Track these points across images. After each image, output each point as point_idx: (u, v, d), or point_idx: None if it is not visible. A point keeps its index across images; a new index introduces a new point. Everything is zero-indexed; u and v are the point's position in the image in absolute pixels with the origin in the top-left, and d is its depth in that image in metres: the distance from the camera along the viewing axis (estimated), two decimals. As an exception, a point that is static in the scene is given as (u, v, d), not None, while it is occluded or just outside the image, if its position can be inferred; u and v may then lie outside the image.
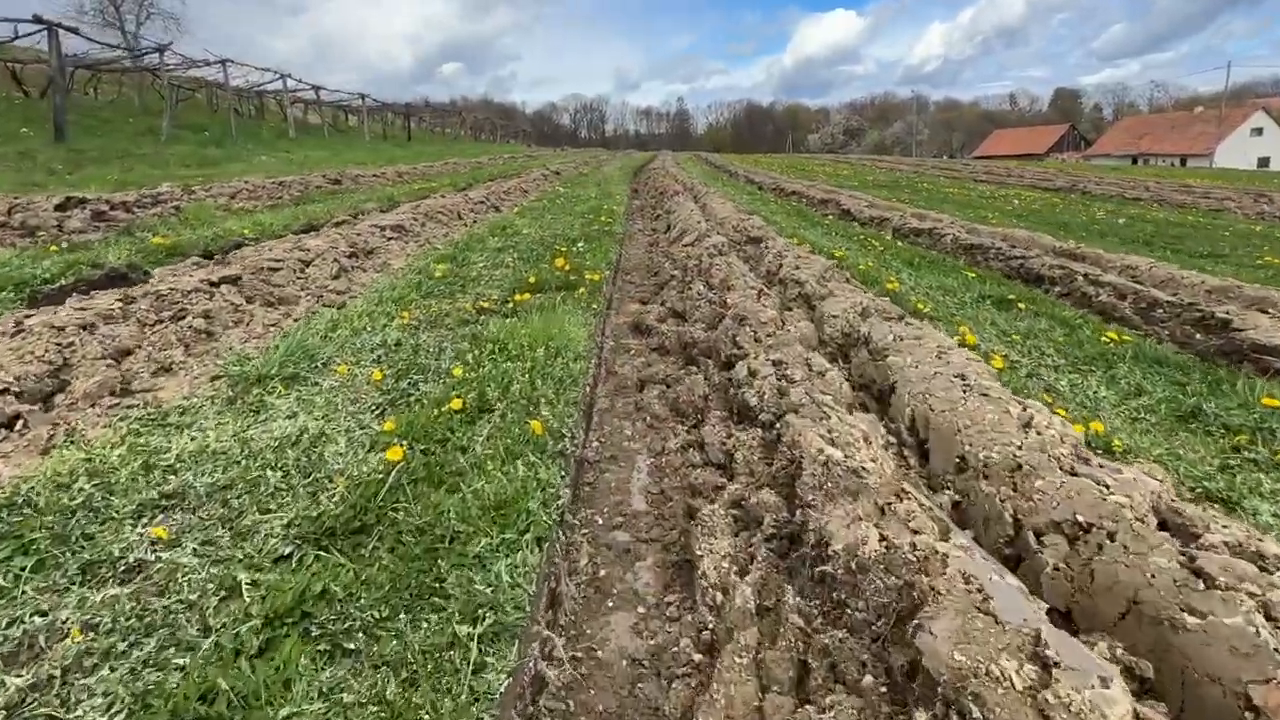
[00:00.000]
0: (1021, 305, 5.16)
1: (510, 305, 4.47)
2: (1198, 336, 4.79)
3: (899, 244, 8.36)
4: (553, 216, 9.18)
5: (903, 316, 3.78)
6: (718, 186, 15.67)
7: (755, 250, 6.10)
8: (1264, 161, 57.44)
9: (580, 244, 6.85)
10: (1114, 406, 3.27)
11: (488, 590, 1.68)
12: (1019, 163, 47.33)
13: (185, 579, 1.73)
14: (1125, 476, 1.80)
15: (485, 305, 4.50)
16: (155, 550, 1.84)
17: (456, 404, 2.78)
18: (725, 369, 3.59)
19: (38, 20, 16.38)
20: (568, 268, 5.44)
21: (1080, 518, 1.69)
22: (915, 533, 1.70)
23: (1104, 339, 4.23)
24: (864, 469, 2.09)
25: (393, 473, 2.20)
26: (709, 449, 2.87)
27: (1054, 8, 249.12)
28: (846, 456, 2.16)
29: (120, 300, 3.34)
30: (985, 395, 2.41)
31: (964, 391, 2.48)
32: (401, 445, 2.41)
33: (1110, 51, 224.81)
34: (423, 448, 2.45)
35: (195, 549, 1.86)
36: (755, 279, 4.71)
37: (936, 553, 1.58)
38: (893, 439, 2.62)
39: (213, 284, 3.89)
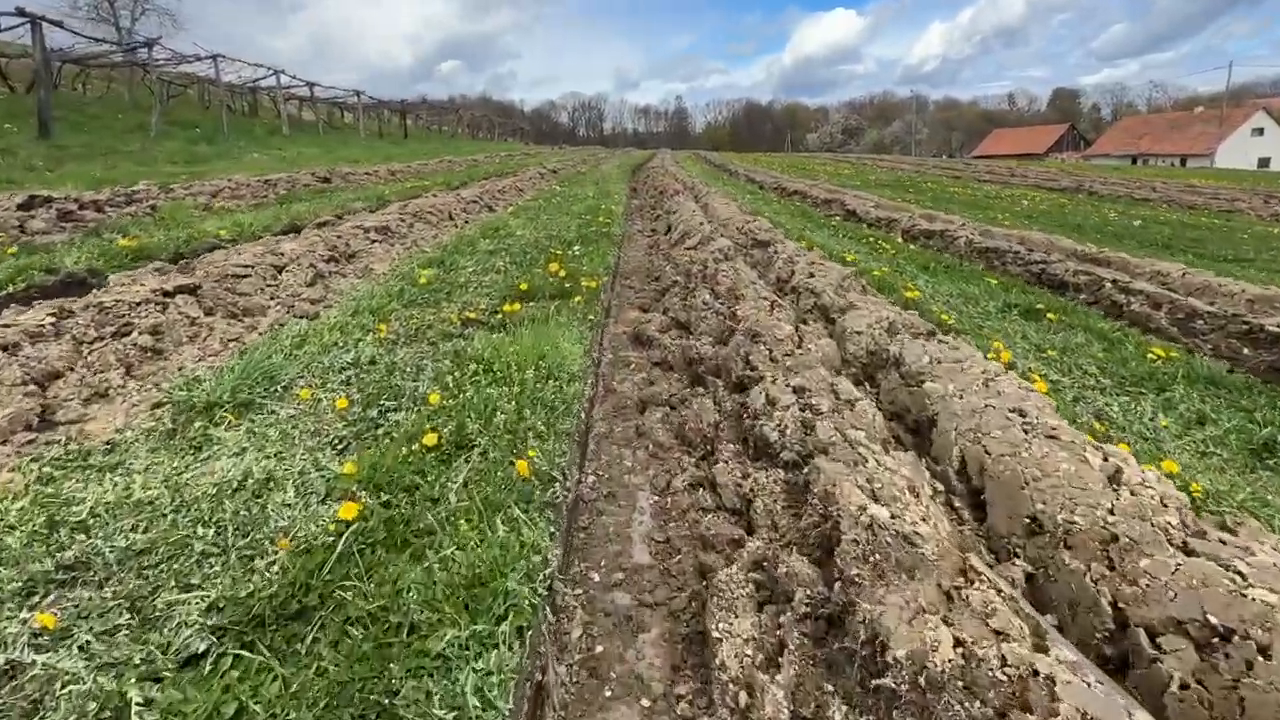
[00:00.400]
0: (1051, 316, 4.79)
1: (499, 316, 4.08)
2: (1246, 351, 4.42)
3: (910, 247, 7.98)
4: (548, 217, 8.79)
5: (933, 332, 3.41)
6: (718, 186, 15.29)
7: (763, 255, 5.71)
8: (1264, 162, 57.25)
9: (576, 246, 6.47)
10: (1177, 438, 2.90)
11: (449, 717, 1.29)
12: (1020, 162, 47.00)
13: (62, 694, 1.34)
14: (1262, 561, 1.42)
15: (472, 316, 4.12)
16: (36, 647, 1.46)
17: (431, 439, 2.40)
18: (737, 391, 3.21)
19: (20, 13, 15.92)
20: (563, 273, 5.05)
21: (1213, 619, 1.32)
22: (1001, 636, 1.32)
23: (1150, 356, 3.85)
24: (917, 534, 1.71)
25: (346, 534, 1.82)
26: (722, 491, 2.49)
27: (1054, 8, 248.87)
28: (894, 516, 1.78)
29: (54, 315, 2.94)
30: (1053, 438, 2.03)
31: (1025, 432, 2.10)
32: (360, 496, 2.03)
33: (1110, 52, 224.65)
34: (386, 498, 2.07)
35: (87, 644, 1.48)
36: (766, 288, 4.33)
37: (1036, 673, 1.20)
38: (938, 484, 2.24)
39: (167, 294, 3.50)
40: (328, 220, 6.70)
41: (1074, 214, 12.96)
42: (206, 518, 1.96)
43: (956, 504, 2.14)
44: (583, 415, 3.01)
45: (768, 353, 3.17)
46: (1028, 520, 1.82)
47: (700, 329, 4.12)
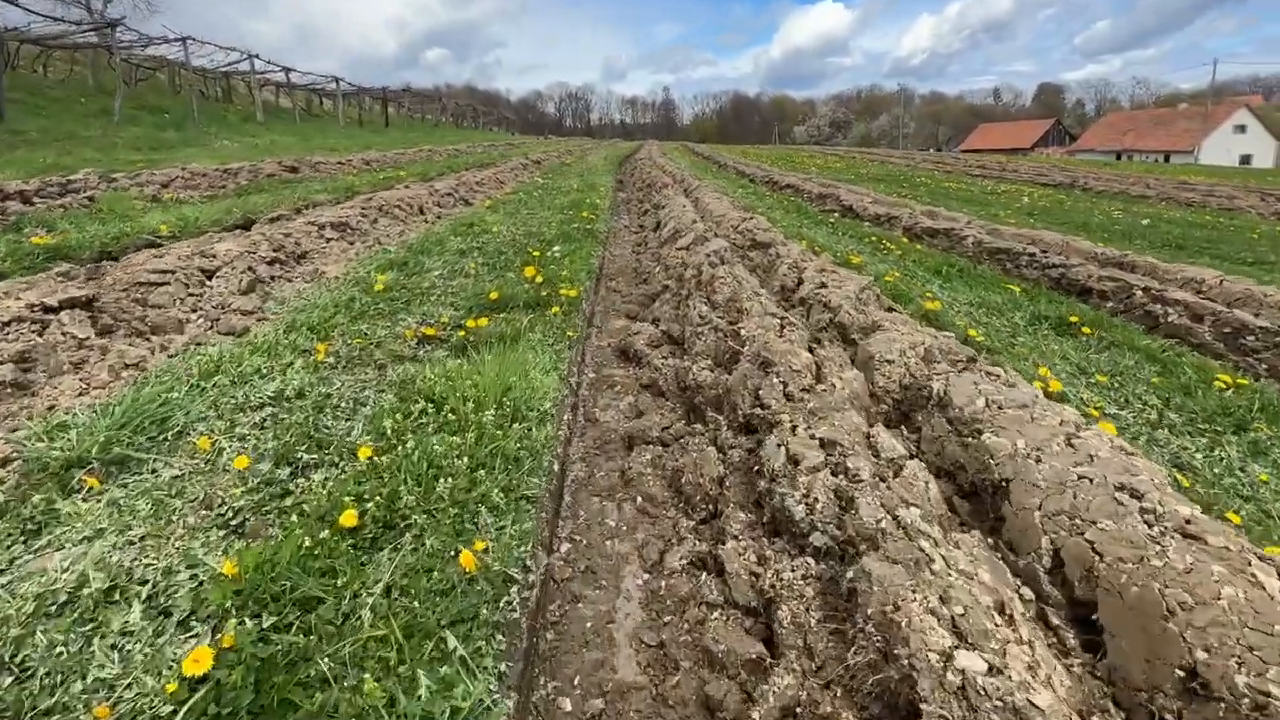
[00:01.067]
0: (1086, 330, 4.27)
1: (462, 333, 3.48)
2: (1311, 374, 3.93)
3: (916, 247, 7.45)
4: (529, 211, 8.16)
5: (973, 359, 2.86)
6: (709, 179, 14.69)
7: (764, 258, 5.14)
8: (1246, 159, 57.70)
9: (557, 246, 5.86)
10: (1282, 496, 2.37)
11: None
12: (1008, 157, 46.81)
13: None
14: None
15: (431, 332, 3.52)
16: None
17: (350, 518, 1.81)
18: (745, 433, 2.65)
19: (-33, -12, 14.94)
20: (540, 279, 4.45)
21: None
22: None
23: (1217, 383, 3.33)
24: (1033, 706, 1.16)
25: (190, 703, 1.23)
26: (732, 581, 1.92)
27: (1041, 3, 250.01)
28: (993, 670, 1.23)
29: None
30: (1194, 538, 1.48)
31: (1148, 524, 1.55)
32: (232, 622, 1.44)
33: (1094, 48, 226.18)
34: (271, 620, 1.48)
35: None
36: (770, 298, 3.77)
37: None
38: (1024, 588, 1.68)
39: (50, 309, 2.87)
40: (282, 215, 6.03)
41: (1075, 211, 12.51)
42: (4, 660, 1.36)
43: (1052, 618, 1.59)
44: (556, 468, 2.43)
45: (782, 387, 2.60)
46: (1181, 674, 1.27)
47: (696, 347, 3.55)
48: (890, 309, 3.66)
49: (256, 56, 27.42)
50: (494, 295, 4.07)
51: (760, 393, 2.65)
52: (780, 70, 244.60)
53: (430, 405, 2.55)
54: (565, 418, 2.85)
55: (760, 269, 4.98)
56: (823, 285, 3.82)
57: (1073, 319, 4.42)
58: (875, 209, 10.22)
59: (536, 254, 5.23)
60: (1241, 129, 61.47)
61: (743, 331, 3.26)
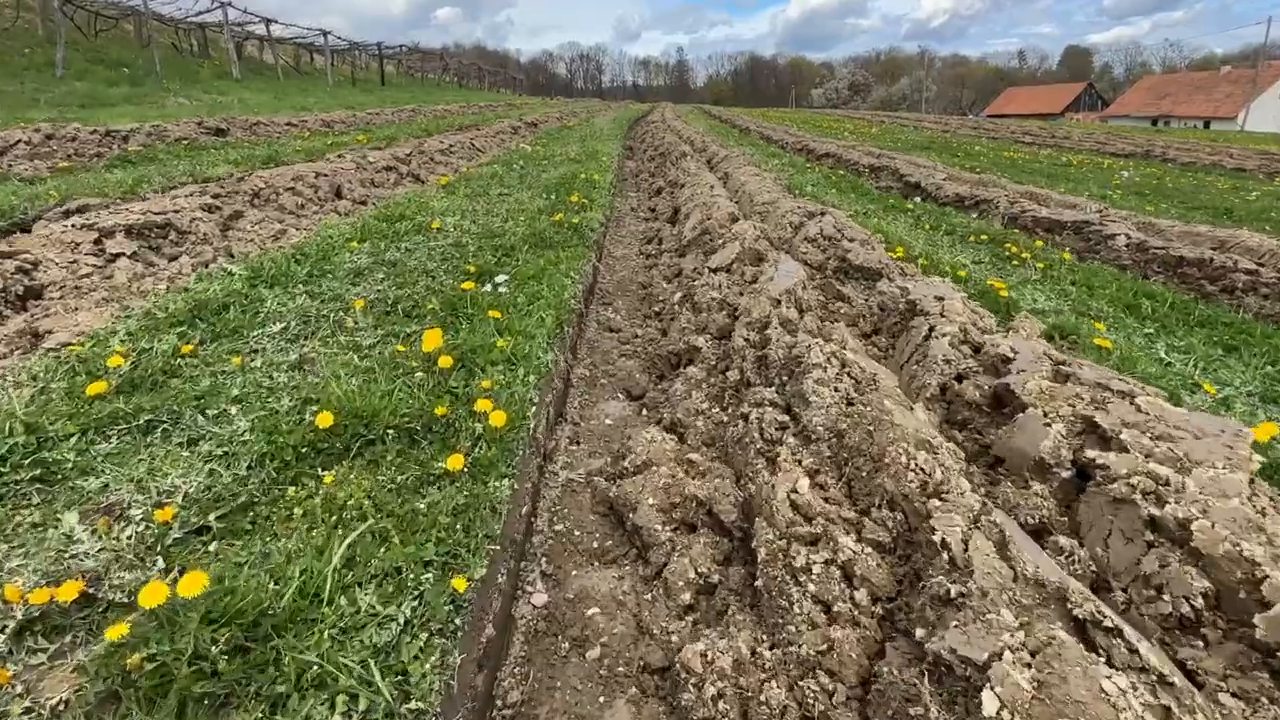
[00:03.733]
0: None
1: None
2: None
3: (1064, 255, 5.19)
4: (500, 192, 5.93)
5: None
6: (734, 145, 12.31)
7: (877, 303, 2.93)
8: (1296, 125, 54.19)
9: (520, 257, 3.69)
10: None
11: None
12: (1045, 122, 43.69)
13: None
14: None
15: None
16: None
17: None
18: None
19: None
20: (449, 361, 2.26)
21: None
22: None
23: None
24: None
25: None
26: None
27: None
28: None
29: None
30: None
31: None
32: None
33: (1121, 9, 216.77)
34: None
35: None
36: (954, 458, 1.60)
37: None
38: None
39: None
40: (90, 205, 3.83)
41: (1190, 190, 10.12)
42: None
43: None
44: None
45: None
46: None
47: (788, 600, 1.41)
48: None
49: (230, 4, 24.82)
50: (324, 422, 1.88)
51: None
52: (798, 31, 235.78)
53: None
54: None
55: (882, 328, 2.76)
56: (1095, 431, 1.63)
57: None
58: (952, 187, 7.91)
59: (476, 268, 2.98)
60: (1291, 94, 57.77)
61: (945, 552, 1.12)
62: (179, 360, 2.25)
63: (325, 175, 5.10)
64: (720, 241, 3.77)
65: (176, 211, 3.53)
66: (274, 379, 2.20)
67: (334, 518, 1.54)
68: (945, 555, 1.25)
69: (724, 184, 6.85)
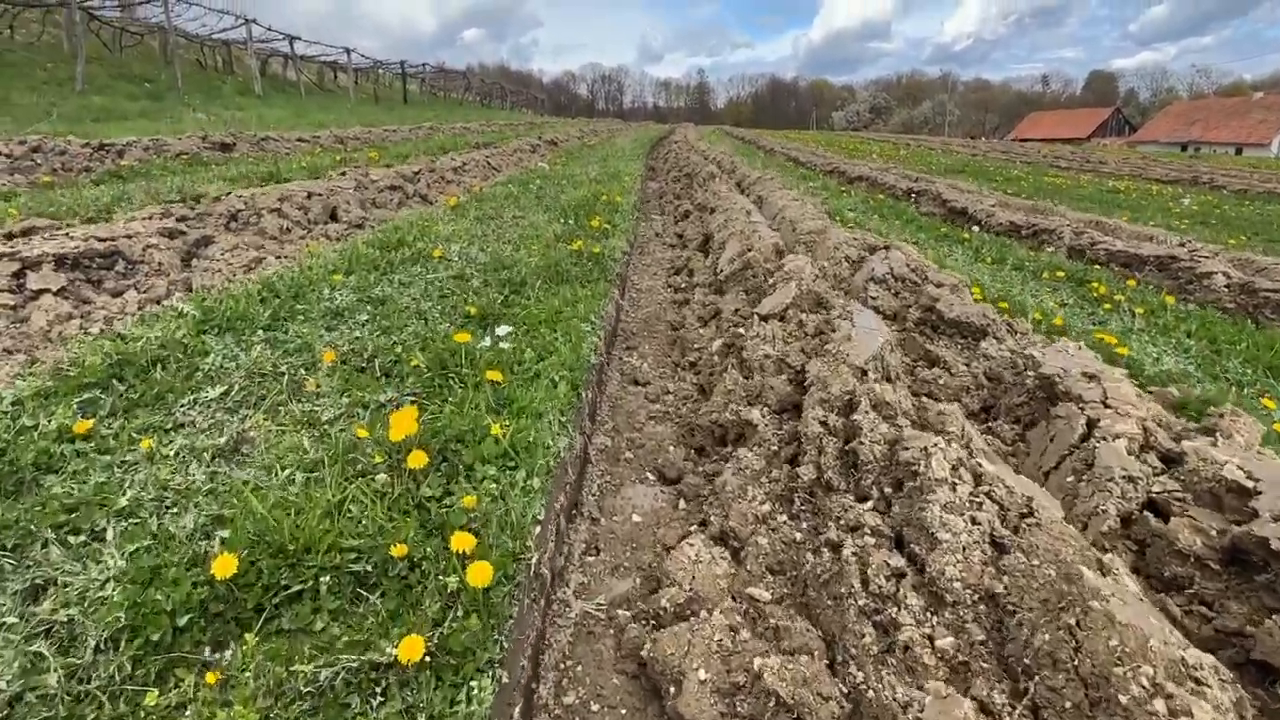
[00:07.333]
0: None
1: None
2: None
3: (1160, 298, 4.52)
4: (514, 214, 5.37)
5: None
6: (761, 167, 11.74)
7: (983, 369, 2.30)
8: (1332, 154, 52.89)
9: (531, 294, 3.11)
10: None
11: None
12: (1074, 146, 42.89)
13: None
14: None
15: None
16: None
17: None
18: None
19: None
20: (425, 460, 1.67)
21: None
22: None
23: None
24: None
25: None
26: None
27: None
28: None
29: None
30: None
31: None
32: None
33: (1147, 35, 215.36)
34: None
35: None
36: (1221, 686, 0.96)
37: None
38: None
39: None
40: (35, 227, 3.30)
41: (1252, 219, 9.37)
42: None
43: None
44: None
45: None
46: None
47: None
48: None
49: (254, 22, 24.89)
50: (225, 572, 1.29)
51: None
52: (820, 54, 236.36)
53: None
54: None
55: (998, 414, 2.12)
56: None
57: None
58: (1005, 215, 7.25)
59: (465, 339, 2.37)
60: (1326, 121, 56.51)
61: None
62: (64, 445, 1.67)
63: (318, 195, 4.56)
64: (769, 281, 3.15)
65: (129, 237, 2.99)
66: (188, 476, 1.62)
67: None
68: None
69: (759, 209, 6.26)
